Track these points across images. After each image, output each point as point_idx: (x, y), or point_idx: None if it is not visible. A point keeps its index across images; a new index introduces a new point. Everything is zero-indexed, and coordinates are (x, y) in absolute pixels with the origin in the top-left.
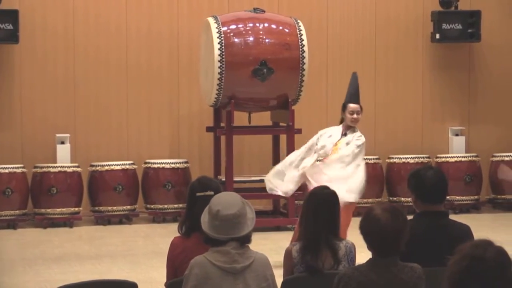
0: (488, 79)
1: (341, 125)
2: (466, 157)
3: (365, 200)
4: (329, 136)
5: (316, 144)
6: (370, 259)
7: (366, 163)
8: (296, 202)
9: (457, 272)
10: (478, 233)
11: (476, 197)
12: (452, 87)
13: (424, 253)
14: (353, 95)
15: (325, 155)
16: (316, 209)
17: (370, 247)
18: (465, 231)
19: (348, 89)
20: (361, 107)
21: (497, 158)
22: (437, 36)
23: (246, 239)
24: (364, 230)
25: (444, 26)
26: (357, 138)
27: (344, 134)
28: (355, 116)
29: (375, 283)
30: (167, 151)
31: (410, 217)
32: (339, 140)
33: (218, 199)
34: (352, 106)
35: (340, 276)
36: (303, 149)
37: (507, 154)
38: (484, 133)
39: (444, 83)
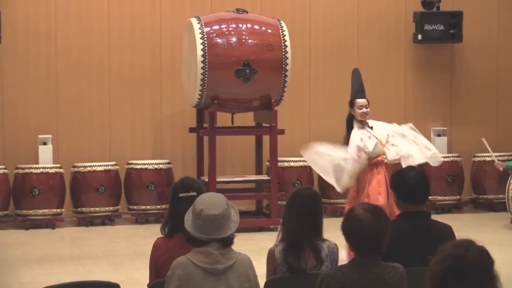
0: (470, 79)
1: (355, 128)
2: (448, 157)
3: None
4: (361, 139)
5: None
6: (352, 259)
7: None
8: (279, 202)
9: (439, 272)
10: (460, 233)
11: (458, 197)
12: (434, 88)
13: (406, 253)
14: (359, 91)
15: (377, 154)
16: (299, 210)
17: (352, 247)
18: (447, 231)
19: (352, 85)
20: (368, 101)
21: (479, 159)
22: (419, 36)
23: (228, 241)
24: (346, 231)
25: (426, 26)
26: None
27: (371, 127)
28: (364, 110)
29: (357, 283)
30: (150, 152)
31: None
32: (376, 137)
33: (203, 198)
34: (360, 101)
35: (323, 276)
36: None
37: (488, 154)
38: (466, 133)
39: (426, 84)
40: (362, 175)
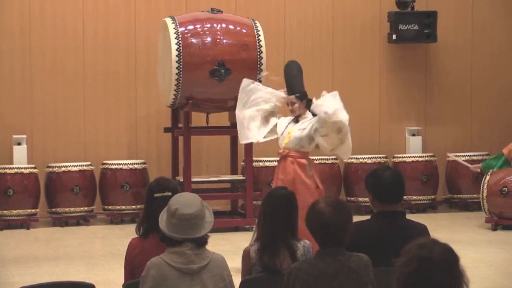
0: (445, 79)
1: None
2: (423, 157)
3: None
4: (285, 126)
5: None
6: (317, 251)
7: (324, 163)
8: (254, 202)
9: (406, 274)
10: (435, 233)
11: (432, 196)
12: (408, 88)
13: (381, 252)
14: (289, 87)
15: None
16: (274, 209)
17: (316, 240)
18: (422, 230)
19: (285, 79)
20: (298, 97)
21: (455, 158)
22: (394, 36)
23: (202, 241)
24: (309, 224)
25: (401, 26)
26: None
27: (296, 121)
28: (291, 107)
29: (324, 272)
30: (125, 152)
31: (367, 217)
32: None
33: (179, 198)
34: (287, 97)
35: (290, 270)
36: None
37: (463, 154)
38: (441, 133)
39: (401, 84)
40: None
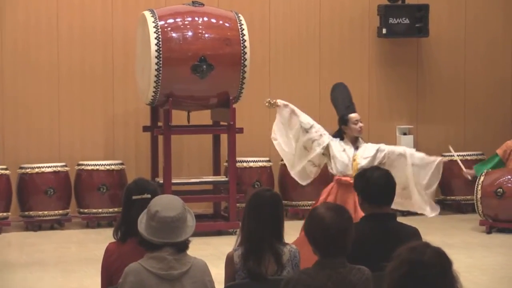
0: (437, 75)
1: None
2: None
3: (309, 202)
4: (343, 150)
5: (322, 153)
6: (317, 261)
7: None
8: (238, 205)
9: (397, 278)
10: (427, 236)
11: None
12: (399, 84)
13: (371, 256)
14: (350, 105)
15: (343, 173)
16: (259, 212)
17: (316, 248)
18: (414, 234)
19: (338, 100)
20: None
21: (447, 158)
22: (384, 30)
23: (183, 246)
24: (309, 231)
25: (391, 20)
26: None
27: (356, 148)
28: (360, 124)
29: (324, 285)
30: (102, 152)
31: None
32: (354, 155)
33: (159, 200)
34: (354, 115)
35: (287, 281)
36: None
37: (457, 153)
38: (433, 131)
39: (391, 80)
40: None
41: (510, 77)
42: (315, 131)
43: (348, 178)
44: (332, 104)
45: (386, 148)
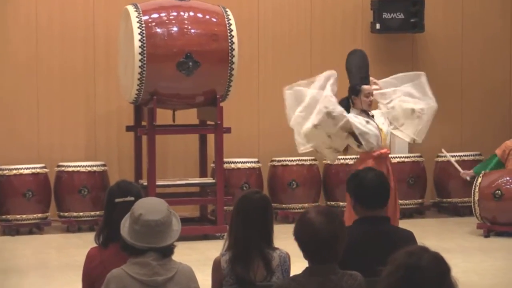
0: (433, 72)
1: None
2: (409, 157)
3: (300, 205)
4: (367, 122)
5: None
6: (307, 267)
7: (301, 165)
8: (225, 208)
9: (393, 283)
10: (423, 240)
11: (420, 200)
12: None
13: (364, 262)
14: (366, 76)
15: (378, 147)
16: (247, 216)
17: (306, 254)
18: (408, 238)
19: (355, 67)
20: None
21: (443, 159)
22: (377, 26)
23: (168, 251)
24: (298, 236)
25: (385, 15)
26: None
27: (372, 116)
28: (372, 98)
29: None
30: (83, 153)
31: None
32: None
33: (143, 202)
34: (367, 87)
35: None
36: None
37: (453, 154)
38: (429, 131)
39: (385, 76)
40: None
41: (509, 75)
42: None
43: (387, 150)
44: (346, 69)
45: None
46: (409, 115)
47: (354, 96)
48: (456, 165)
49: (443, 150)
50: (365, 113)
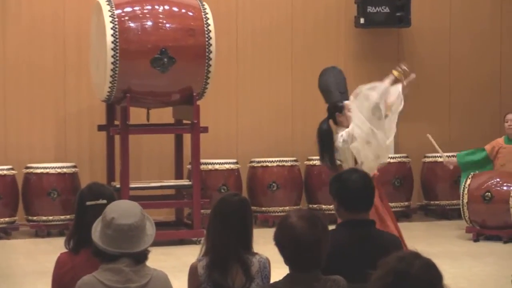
0: (420, 69)
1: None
2: (395, 158)
3: (280, 208)
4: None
5: None
6: (288, 274)
7: (282, 166)
8: (202, 211)
9: None
10: (409, 245)
11: (406, 203)
12: (378, 78)
13: (348, 267)
14: (345, 92)
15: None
16: (225, 219)
17: (287, 260)
18: (394, 242)
19: (331, 85)
20: None
21: (430, 159)
22: (362, 20)
23: (142, 257)
24: (279, 241)
25: (370, 9)
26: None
27: None
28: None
29: None
30: (52, 154)
31: (332, 227)
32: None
33: (116, 206)
34: (350, 102)
35: None
36: None
37: (438, 154)
38: (415, 130)
39: (370, 74)
40: None
41: (499, 70)
42: None
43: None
44: (320, 89)
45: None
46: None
47: (338, 113)
48: (441, 152)
49: (428, 135)
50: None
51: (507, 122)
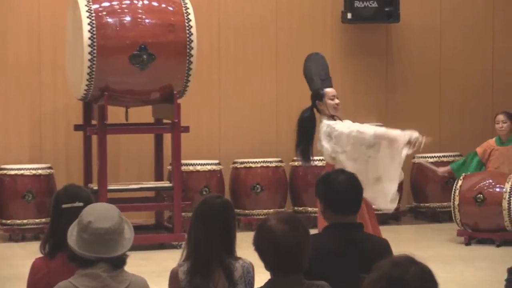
0: (409, 66)
1: (325, 120)
2: None
3: (264, 211)
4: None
5: None
6: (269, 280)
7: (266, 167)
8: (183, 214)
9: None
10: (398, 248)
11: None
12: (366, 76)
13: (335, 271)
14: (326, 79)
15: None
16: (207, 222)
17: (268, 265)
18: (383, 246)
19: (313, 71)
20: None
21: (420, 159)
22: (349, 15)
23: (120, 261)
24: (259, 246)
25: (357, 3)
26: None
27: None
28: (337, 100)
29: None
30: (27, 155)
31: (314, 231)
32: None
33: (92, 209)
34: (330, 90)
35: None
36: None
37: (431, 154)
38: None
39: (357, 72)
40: None
41: (491, 69)
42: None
43: None
44: (304, 76)
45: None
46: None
47: (318, 101)
48: (430, 166)
49: (422, 162)
50: (333, 118)
51: (497, 123)
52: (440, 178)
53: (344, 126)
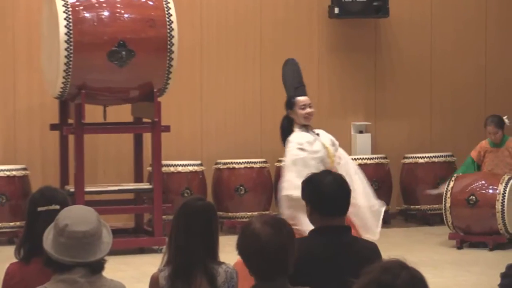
0: (399, 63)
1: (297, 130)
2: (372, 159)
3: (248, 213)
4: (300, 144)
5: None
6: (254, 285)
7: (250, 168)
8: (164, 217)
9: None
10: (388, 252)
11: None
12: (355, 73)
13: (322, 276)
14: (299, 87)
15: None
16: (189, 226)
17: (252, 270)
18: (371, 250)
19: (287, 80)
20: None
21: (410, 160)
22: (336, 10)
23: (98, 266)
24: (242, 250)
25: None
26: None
27: (317, 135)
28: (308, 110)
29: None
30: (0, 155)
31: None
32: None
33: (69, 212)
34: (301, 99)
35: None
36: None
37: (421, 155)
38: (394, 129)
39: (345, 68)
40: None
41: (484, 65)
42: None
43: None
44: (283, 83)
45: (341, 151)
46: None
47: (289, 110)
48: (437, 190)
49: (429, 191)
50: (305, 128)
51: (489, 134)
52: (431, 180)
53: (291, 177)
